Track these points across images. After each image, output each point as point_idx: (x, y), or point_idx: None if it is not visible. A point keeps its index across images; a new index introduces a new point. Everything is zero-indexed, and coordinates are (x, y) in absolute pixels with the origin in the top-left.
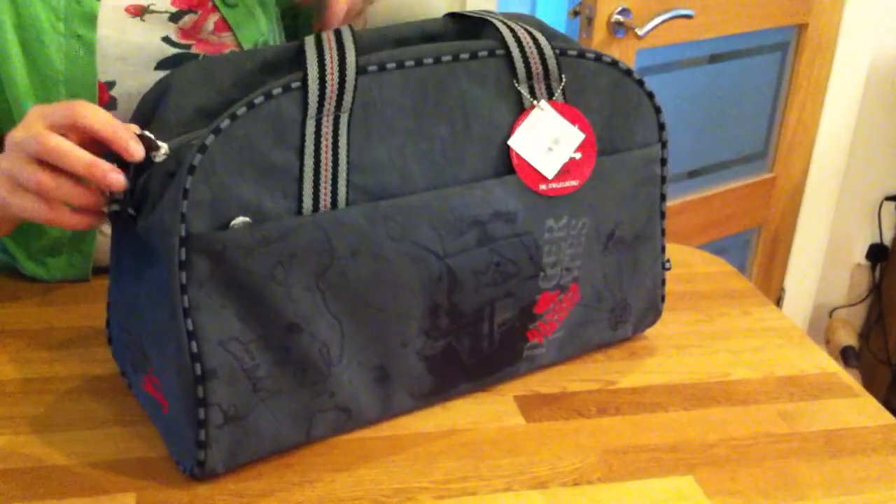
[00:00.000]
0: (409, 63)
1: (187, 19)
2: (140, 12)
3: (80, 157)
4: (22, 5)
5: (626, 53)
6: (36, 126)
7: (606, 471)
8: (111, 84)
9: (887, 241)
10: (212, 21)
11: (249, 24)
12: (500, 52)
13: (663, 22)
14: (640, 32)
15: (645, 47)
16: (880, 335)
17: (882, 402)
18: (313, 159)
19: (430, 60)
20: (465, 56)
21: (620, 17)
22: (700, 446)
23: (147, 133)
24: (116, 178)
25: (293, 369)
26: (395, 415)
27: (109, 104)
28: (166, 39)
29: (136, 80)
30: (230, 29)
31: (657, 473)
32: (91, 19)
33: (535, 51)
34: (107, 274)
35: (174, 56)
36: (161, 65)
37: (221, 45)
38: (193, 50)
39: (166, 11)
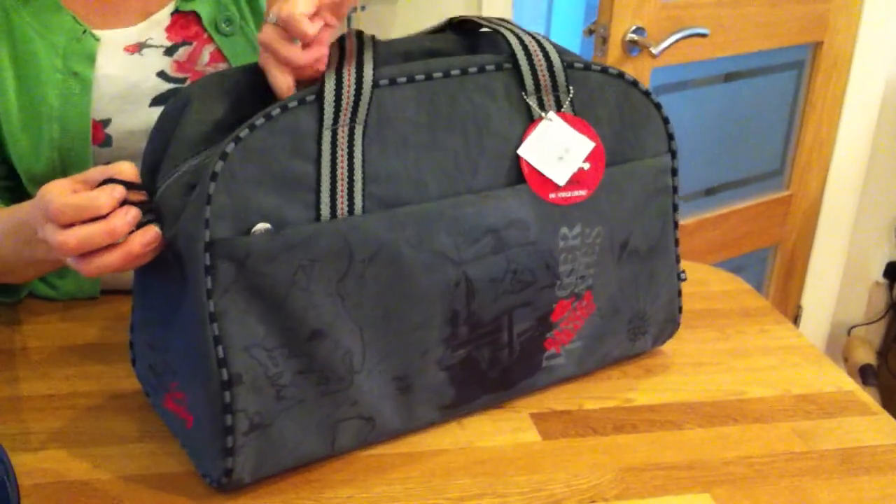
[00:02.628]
0: (420, 77)
1: (182, 52)
2: (138, 48)
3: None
4: (20, 41)
5: (641, 72)
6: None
7: (623, 489)
8: (106, 122)
9: None
10: (207, 52)
11: (247, 54)
12: (507, 65)
13: (678, 41)
14: (654, 51)
15: (660, 66)
16: None
17: None
18: (330, 169)
19: (439, 74)
20: (473, 70)
21: (635, 36)
22: (716, 464)
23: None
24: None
25: (316, 377)
26: (417, 427)
27: (105, 142)
28: (162, 74)
29: (132, 118)
30: (226, 59)
31: (674, 491)
32: (90, 57)
33: (543, 63)
34: (115, 294)
35: (169, 91)
36: (156, 101)
37: None
38: (189, 84)
39: (162, 46)
